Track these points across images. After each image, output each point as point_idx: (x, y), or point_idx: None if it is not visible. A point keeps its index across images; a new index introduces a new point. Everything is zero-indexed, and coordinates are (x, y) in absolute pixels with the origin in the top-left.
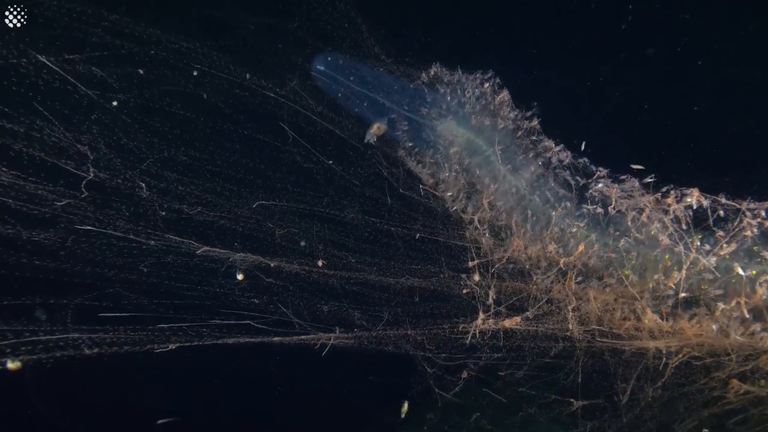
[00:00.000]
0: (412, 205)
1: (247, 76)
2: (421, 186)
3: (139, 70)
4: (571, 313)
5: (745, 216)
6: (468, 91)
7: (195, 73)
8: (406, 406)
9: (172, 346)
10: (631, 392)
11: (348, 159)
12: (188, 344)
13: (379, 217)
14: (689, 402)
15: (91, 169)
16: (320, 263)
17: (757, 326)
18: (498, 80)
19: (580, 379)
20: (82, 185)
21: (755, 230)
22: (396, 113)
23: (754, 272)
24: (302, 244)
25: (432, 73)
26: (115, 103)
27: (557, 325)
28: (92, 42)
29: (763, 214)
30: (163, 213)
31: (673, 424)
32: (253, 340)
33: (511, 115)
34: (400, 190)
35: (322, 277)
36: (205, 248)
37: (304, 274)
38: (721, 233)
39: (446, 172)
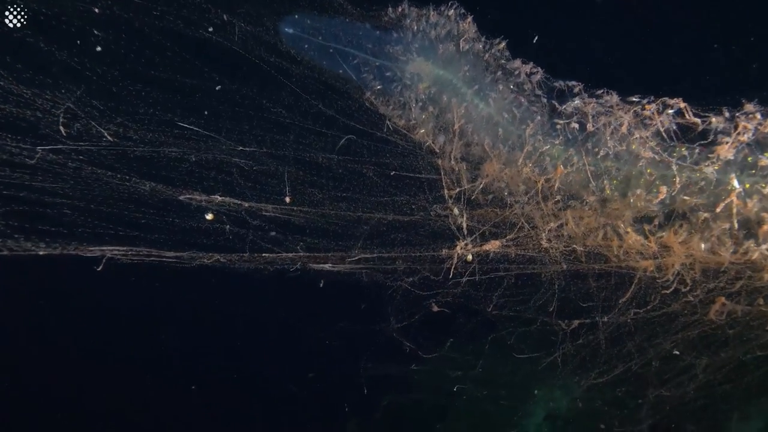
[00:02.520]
0: (386, 146)
1: (225, 17)
2: (389, 123)
3: (95, 9)
4: (550, 234)
5: (740, 120)
6: (432, 19)
7: (210, 29)
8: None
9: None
10: (613, 314)
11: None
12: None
13: (347, 154)
14: (669, 323)
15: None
16: (287, 200)
17: (751, 243)
18: (462, 10)
19: (554, 306)
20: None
21: (751, 135)
22: (361, 58)
23: (747, 186)
24: (287, 200)
25: (399, 10)
26: (99, 49)
27: (537, 248)
28: None
29: (759, 117)
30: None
31: (649, 345)
32: (213, 261)
33: (479, 41)
34: (371, 130)
35: (294, 214)
36: (186, 195)
37: (277, 213)
38: (712, 138)
39: (415, 105)
